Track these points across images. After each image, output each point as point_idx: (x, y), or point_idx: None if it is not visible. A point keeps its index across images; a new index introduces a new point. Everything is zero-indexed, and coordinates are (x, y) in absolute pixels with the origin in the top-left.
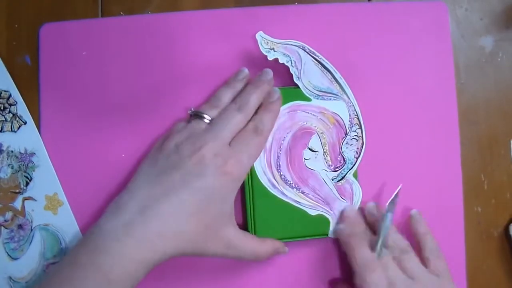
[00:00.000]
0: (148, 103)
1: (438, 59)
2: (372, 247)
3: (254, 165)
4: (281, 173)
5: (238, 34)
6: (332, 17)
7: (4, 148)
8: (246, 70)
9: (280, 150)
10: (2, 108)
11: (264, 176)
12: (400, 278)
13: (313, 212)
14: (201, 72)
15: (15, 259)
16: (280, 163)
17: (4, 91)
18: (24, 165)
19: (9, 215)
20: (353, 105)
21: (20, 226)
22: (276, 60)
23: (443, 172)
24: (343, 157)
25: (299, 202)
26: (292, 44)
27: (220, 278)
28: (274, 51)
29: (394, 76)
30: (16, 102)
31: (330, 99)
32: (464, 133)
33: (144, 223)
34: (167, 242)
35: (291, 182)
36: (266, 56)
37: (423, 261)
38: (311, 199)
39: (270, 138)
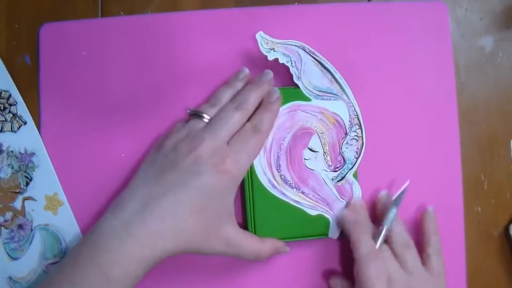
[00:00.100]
0: (148, 103)
1: (438, 59)
2: (374, 239)
3: (254, 165)
4: (281, 173)
5: (238, 34)
6: (332, 17)
7: (4, 148)
8: (246, 70)
9: (280, 150)
10: (2, 108)
11: (264, 176)
12: (399, 273)
13: (313, 212)
14: (201, 72)
15: (15, 259)
16: (280, 163)
17: (4, 91)
18: (24, 165)
19: (9, 215)
20: (353, 105)
21: (20, 226)
22: (276, 60)
23: (443, 172)
24: (343, 157)
25: (299, 202)
26: (292, 44)
27: (220, 277)
28: (274, 51)
29: (394, 76)
30: (16, 102)
31: (330, 99)
32: (464, 133)
33: (143, 222)
34: (166, 241)
35: (291, 182)
36: (266, 56)
37: (423, 258)
38: (311, 199)
39: (270, 138)
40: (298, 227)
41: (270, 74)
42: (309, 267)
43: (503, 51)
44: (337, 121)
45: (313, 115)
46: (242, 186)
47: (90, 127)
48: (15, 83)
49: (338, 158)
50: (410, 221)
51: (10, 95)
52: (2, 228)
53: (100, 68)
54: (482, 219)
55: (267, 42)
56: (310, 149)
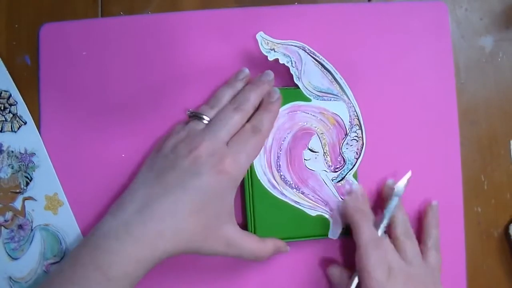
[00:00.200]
0: (148, 103)
1: (438, 59)
2: (375, 227)
3: (254, 166)
4: (281, 174)
5: (238, 34)
6: (332, 17)
7: (4, 148)
8: (246, 70)
9: (280, 151)
10: (2, 108)
11: (264, 177)
12: (398, 262)
13: (312, 213)
14: (201, 72)
15: (15, 259)
16: (280, 164)
17: (4, 91)
18: (24, 165)
19: (9, 215)
20: (353, 106)
21: (20, 226)
22: (277, 60)
23: (443, 172)
24: (343, 158)
25: (298, 202)
26: (292, 45)
27: (220, 278)
28: (275, 51)
29: (394, 76)
30: (16, 102)
31: (330, 100)
32: (464, 133)
33: (143, 223)
34: (166, 241)
35: (291, 183)
36: (266, 57)
37: (422, 250)
38: (311, 199)
39: (270, 139)
40: (298, 228)
41: (270, 74)
42: (308, 267)
43: (503, 51)
44: (337, 121)
45: (313, 115)
46: (242, 186)
47: (90, 127)
48: (15, 83)
49: (338, 159)
50: (411, 219)
51: (10, 95)
52: (2, 228)
53: (100, 68)
54: (482, 219)
55: (268, 43)
56: (310, 150)
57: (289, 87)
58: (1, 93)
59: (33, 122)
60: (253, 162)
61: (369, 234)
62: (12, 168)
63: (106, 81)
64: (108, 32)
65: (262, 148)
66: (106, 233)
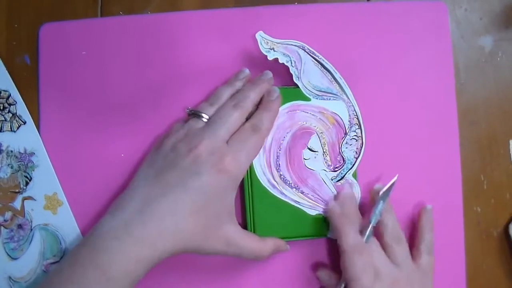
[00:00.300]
0: (148, 103)
1: (438, 59)
2: (362, 232)
3: (254, 165)
4: (281, 173)
5: (238, 34)
6: (332, 17)
7: (3, 148)
8: (247, 70)
9: (280, 150)
10: (1, 107)
11: (263, 176)
12: (386, 265)
13: (312, 212)
14: (200, 72)
15: (15, 259)
16: (280, 163)
17: (4, 90)
18: (23, 165)
19: (8, 215)
20: (353, 105)
21: (19, 226)
22: (276, 60)
23: (443, 172)
24: (343, 157)
25: (298, 202)
26: (292, 44)
27: (220, 277)
28: (274, 51)
29: (393, 76)
30: (16, 102)
31: (329, 99)
32: (464, 133)
33: (143, 223)
34: (166, 240)
35: (290, 182)
36: (266, 56)
37: (414, 254)
38: (311, 199)
39: (269, 138)
40: (298, 227)
41: (269, 74)
42: (308, 266)
43: (502, 51)
44: (336, 121)
45: (313, 115)
46: (241, 186)
47: (89, 127)
48: (14, 82)
49: (338, 158)
50: (407, 220)
51: (9, 95)
52: (2, 228)
53: (99, 68)
54: (482, 219)
55: (267, 42)
56: (310, 149)
57: (288, 87)
58: (0, 92)
59: (33, 122)
60: (252, 162)
61: (353, 240)
62: (12, 167)
63: (105, 81)
64: (108, 32)
65: (262, 148)
66: (105, 233)
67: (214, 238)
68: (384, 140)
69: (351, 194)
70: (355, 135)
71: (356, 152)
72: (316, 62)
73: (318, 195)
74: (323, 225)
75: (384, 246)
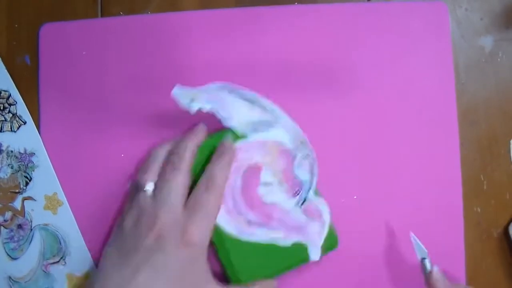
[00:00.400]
0: (148, 103)
1: (438, 59)
2: None
3: (217, 220)
4: (244, 217)
5: (238, 34)
6: (332, 17)
7: (3, 148)
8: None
9: (235, 195)
10: (1, 108)
11: (228, 226)
12: None
13: (288, 243)
14: (201, 72)
15: (15, 259)
16: (240, 208)
17: (4, 91)
18: (23, 165)
19: (8, 215)
20: (292, 125)
21: (19, 226)
22: (200, 111)
23: (443, 172)
24: (299, 180)
25: (271, 238)
26: (212, 89)
27: None
28: (195, 102)
29: (394, 76)
30: (16, 102)
31: (267, 129)
32: (464, 134)
33: None
34: None
35: (256, 222)
36: (264, 56)
37: None
38: (282, 230)
39: None
40: (278, 263)
41: (200, 125)
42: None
43: (503, 51)
44: (280, 148)
45: (255, 150)
46: (211, 241)
47: (90, 127)
48: (14, 83)
49: (294, 183)
50: (407, 220)
51: (9, 95)
52: (2, 228)
53: (100, 68)
54: (482, 219)
55: (186, 95)
56: (264, 184)
57: (221, 130)
58: (0, 92)
59: (33, 122)
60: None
61: None
62: (12, 168)
63: (105, 81)
64: (108, 32)
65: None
66: None
67: None
68: (383, 140)
69: (441, 276)
70: (303, 155)
71: (310, 170)
72: (240, 98)
73: (289, 225)
74: (303, 252)
75: None
